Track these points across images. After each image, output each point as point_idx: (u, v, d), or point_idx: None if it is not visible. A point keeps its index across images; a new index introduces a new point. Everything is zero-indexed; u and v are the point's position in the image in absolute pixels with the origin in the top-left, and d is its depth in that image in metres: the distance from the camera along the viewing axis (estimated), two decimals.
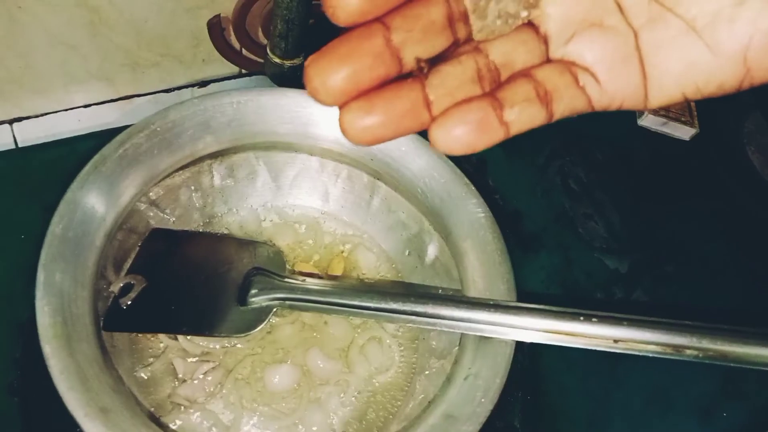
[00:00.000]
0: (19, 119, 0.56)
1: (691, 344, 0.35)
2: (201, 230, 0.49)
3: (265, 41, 0.56)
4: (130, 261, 0.44)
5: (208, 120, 0.42)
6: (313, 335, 0.46)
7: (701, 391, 0.54)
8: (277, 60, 0.56)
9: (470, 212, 0.43)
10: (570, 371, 0.52)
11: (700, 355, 0.35)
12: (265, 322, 0.42)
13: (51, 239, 0.35)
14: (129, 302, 0.41)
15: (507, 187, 0.60)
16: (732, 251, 0.62)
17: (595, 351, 0.52)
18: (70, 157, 0.49)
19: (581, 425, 0.50)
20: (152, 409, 0.40)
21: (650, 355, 0.36)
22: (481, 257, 0.42)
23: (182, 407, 0.41)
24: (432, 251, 0.48)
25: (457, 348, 0.43)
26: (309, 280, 0.43)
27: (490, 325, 0.39)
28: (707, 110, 0.68)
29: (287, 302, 0.42)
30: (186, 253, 0.46)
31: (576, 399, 0.51)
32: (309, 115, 0.44)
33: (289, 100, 0.44)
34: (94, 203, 0.37)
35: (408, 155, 0.44)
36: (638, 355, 0.52)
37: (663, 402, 0.53)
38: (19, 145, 0.55)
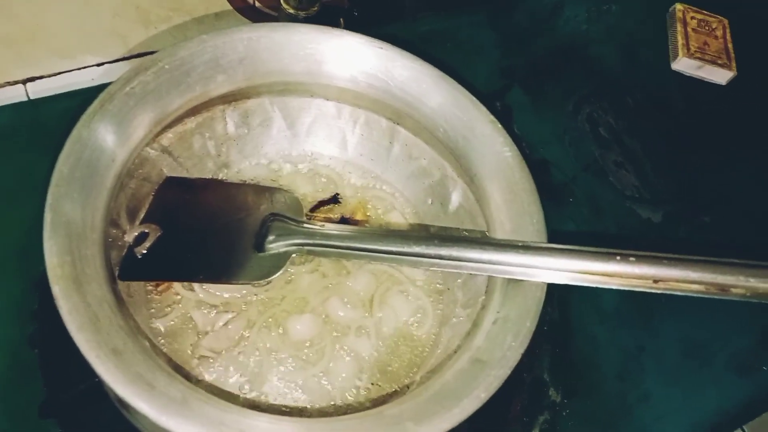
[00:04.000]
0: (33, 79, 0.55)
1: (738, 282, 0.33)
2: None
3: None
4: (144, 210, 0.43)
5: (218, 57, 0.40)
6: (334, 285, 0.45)
7: (740, 344, 0.51)
8: (291, 11, 0.54)
9: (496, 151, 0.41)
10: (601, 324, 0.50)
11: (748, 294, 0.33)
12: (284, 268, 0.41)
13: (58, 178, 0.33)
14: (144, 251, 0.40)
15: (534, 135, 0.57)
16: None
17: (628, 303, 0.50)
18: (82, 107, 0.47)
19: (613, 379, 0.48)
20: (172, 359, 0.39)
21: (693, 295, 0.34)
22: (508, 198, 0.40)
23: (208, 359, 0.40)
24: (456, 198, 0.46)
25: (483, 298, 0.41)
26: (328, 224, 0.42)
27: (520, 267, 0.37)
28: (746, 52, 0.64)
29: (306, 247, 0.41)
30: (201, 201, 0.44)
31: (607, 352, 0.49)
32: (323, 51, 0.42)
33: (302, 36, 0.42)
34: (101, 142, 0.36)
35: (428, 92, 0.41)
36: (674, 307, 0.50)
37: (699, 356, 0.50)
38: (31, 98, 0.54)
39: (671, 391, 0.48)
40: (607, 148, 0.58)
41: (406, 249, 0.38)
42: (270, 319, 0.43)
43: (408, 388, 0.42)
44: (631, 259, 0.35)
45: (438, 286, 0.46)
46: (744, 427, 0.51)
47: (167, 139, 0.43)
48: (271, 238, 0.42)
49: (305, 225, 0.42)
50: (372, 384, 0.42)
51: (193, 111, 0.42)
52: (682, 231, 0.56)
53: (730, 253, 0.55)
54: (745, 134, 0.63)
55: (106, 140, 0.36)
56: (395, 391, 0.42)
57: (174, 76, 0.39)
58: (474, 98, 0.42)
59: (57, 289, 0.30)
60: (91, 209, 0.34)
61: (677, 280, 0.34)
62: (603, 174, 0.57)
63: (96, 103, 0.36)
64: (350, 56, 0.42)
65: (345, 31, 0.43)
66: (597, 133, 0.59)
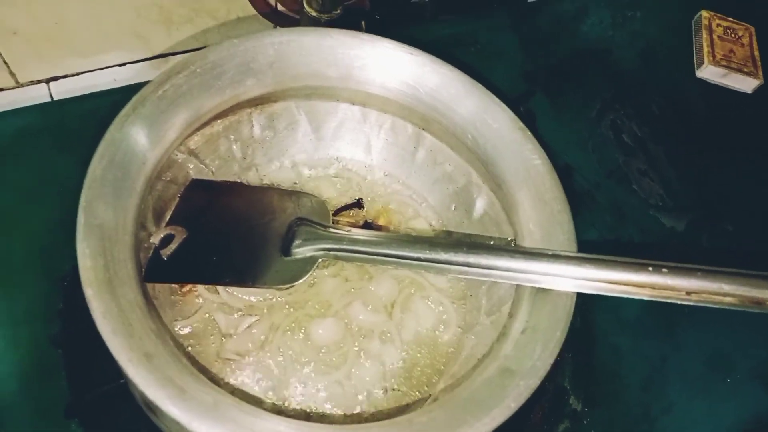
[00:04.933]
0: (56, 78, 0.55)
1: None
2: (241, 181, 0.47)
3: None
4: (170, 212, 0.43)
5: (248, 61, 0.40)
6: (357, 289, 0.44)
7: (763, 355, 0.51)
8: (313, 14, 0.54)
9: (526, 159, 0.40)
10: (624, 333, 0.50)
11: None
12: (310, 272, 0.41)
13: (91, 180, 0.33)
14: (170, 253, 0.40)
15: (557, 141, 0.56)
16: None
17: (650, 312, 0.50)
18: (106, 108, 0.48)
19: (635, 389, 0.48)
20: (198, 361, 0.39)
21: (727, 308, 0.34)
22: (538, 206, 0.39)
23: (232, 362, 0.40)
24: (480, 205, 0.46)
25: (507, 305, 0.41)
26: (355, 230, 0.41)
27: (549, 276, 0.36)
28: None
29: (332, 252, 0.41)
30: (227, 204, 0.44)
31: (630, 362, 0.49)
32: (354, 57, 0.42)
33: (333, 41, 0.42)
34: (133, 145, 0.36)
35: (458, 98, 0.41)
36: (697, 317, 0.50)
37: (724, 367, 0.50)
38: (55, 98, 0.54)
39: (694, 402, 0.48)
40: (631, 155, 0.58)
41: (434, 256, 0.38)
42: (293, 323, 0.43)
43: (430, 395, 0.42)
44: (664, 270, 0.34)
45: (462, 292, 0.46)
46: None
47: (194, 141, 0.43)
48: (297, 242, 0.41)
49: (332, 230, 0.42)
50: (394, 389, 0.42)
51: (221, 114, 0.42)
52: (705, 240, 0.55)
53: (755, 262, 0.55)
54: None
55: (137, 143, 0.36)
56: (418, 397, 0.42)
57: (205, 80, 0.39)
58: (504, 105, 0.42)
59: (90, 292, 0.30)
60: (122, 211, 0.34)
61: (711, 293, 0.34)
62: (626, 181, 0.56)
63: (129, 106, 0.36)
64: (381, 62, 0.42)
65: (376, 36, 0.42)
66: (620, 139, 0.58)
